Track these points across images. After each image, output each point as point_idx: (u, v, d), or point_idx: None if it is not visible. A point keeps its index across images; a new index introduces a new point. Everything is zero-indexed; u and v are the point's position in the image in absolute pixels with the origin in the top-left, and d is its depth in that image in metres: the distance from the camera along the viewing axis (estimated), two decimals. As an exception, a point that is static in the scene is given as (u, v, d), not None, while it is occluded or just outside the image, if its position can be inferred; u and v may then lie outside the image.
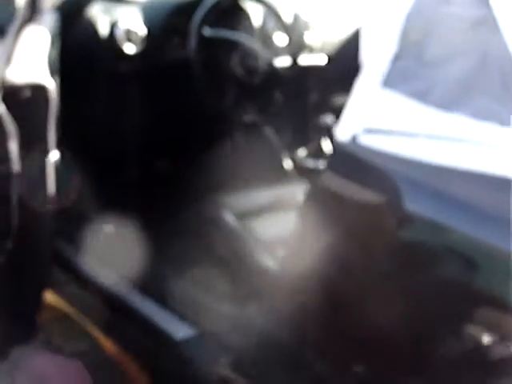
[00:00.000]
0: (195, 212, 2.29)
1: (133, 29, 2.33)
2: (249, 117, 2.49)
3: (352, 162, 1.46)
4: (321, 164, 2.71)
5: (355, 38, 2.90)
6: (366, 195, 1.47)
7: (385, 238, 1.42)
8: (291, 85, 2.60)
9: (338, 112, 2.83)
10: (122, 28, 2.32)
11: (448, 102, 1.37)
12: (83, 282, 2.27)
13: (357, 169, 1.46)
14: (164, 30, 2.42)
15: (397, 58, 1.44)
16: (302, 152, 2.82)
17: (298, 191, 2.46)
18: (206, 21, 2.36)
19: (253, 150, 2.60)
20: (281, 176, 2.65)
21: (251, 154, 2.58)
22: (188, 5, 2.45)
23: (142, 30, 2.35)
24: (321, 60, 2.79)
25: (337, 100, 2.95)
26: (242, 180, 2.49)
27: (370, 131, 1.42)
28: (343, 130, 1.45)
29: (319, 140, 2.73)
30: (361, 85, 1.46)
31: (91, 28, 2.32)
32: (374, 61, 1.46)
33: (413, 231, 1.40)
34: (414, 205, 1.37)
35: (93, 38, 2.32)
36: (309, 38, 2.75)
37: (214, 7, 2.37)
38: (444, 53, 1.41)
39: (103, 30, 2.32)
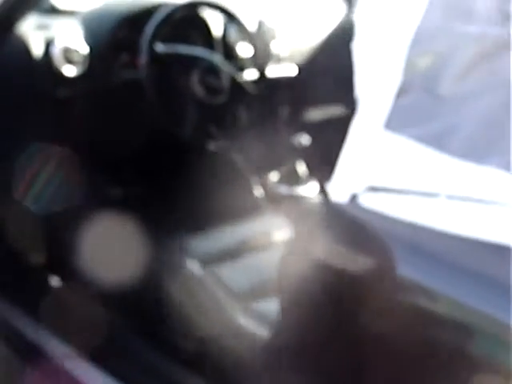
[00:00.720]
0: (151, 258, 1.95)
1: (73, 46, 1.98)
2: (212, 142, 2.16)
3: (351, 228, 1.15)
4: (295, 190, 2.40)
5: (328, 45, 2.59)
6: (367, 265, 1.16)
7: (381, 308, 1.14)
8: (259, 101, 2.27)
9: (311, 129, 2.53)
10: (59, 46, 1.97)
11: (472, 150, 1.06)
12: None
13: (357, 236, 1.14)
14: (109, 46, 2.07)
15: (403, 91, 1.12)
16: (273, 177, 2.50)
17: (271, 226, 2.15)
18: (158, 35, 2.02)
19: (219, 179, 2.27)
20: (252, 206, 2.33)
21: (217, 183, 2.25)
22: (137, 16, 2.10)
23: (83, 48, 2.00)
24: (290, 71, 2.47)
25: (310, 115, 2.65)
26: (207, 215, 2.17)
27: (372, 189, 1.11)
28: (339, 188, 1.13)
29: (293, 162, 2.41)
30: (358, 128, 1.14)
31: (22, 47, 1.96)
32: (373, 96, 1.14)
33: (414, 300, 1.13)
34: (422, 277, 1.09)
35: (24, 59, 1.96)
36: (276, 47, 2.43)
37: (167, 19, 2.03)
38: (463, 85, 1.10)
39: (37, 50, 1.96)
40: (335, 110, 2.75)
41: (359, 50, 1.17)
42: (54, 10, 2.15)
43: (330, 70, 2.57)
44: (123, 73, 2.08)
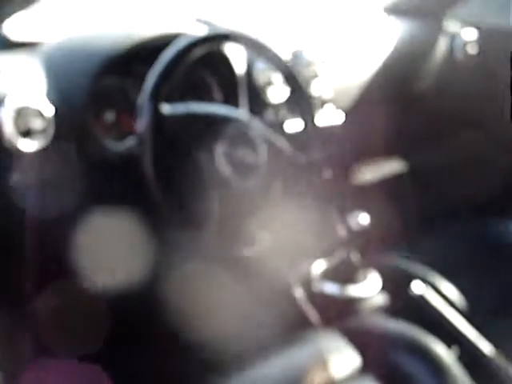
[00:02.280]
0: None
1: (32, 105, 1.28)
2: (245, 245, 1.44)
3: None
4: (347, 290, 1.72)
5: (381, 82, 1.93)
6: None
7: None
8: (302, 167, 1.55)
9: (368, 196, 1.86)
10: (10, 107, 1.26)
11: None
12: None
13: None
14: (88, 103, 1.36)
15: None
16: (317, 271, 1.82)
17: (317, 351, 1.44)
18: (164, 89, 1.31)
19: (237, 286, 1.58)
20: (289, 315, 1.65)
21: (234, 291, 1.56)
22: (132, 54, 1.39)
23: (47, 107, 1.30)
24: (336, 118, 1.80)
25: (363, 176, 1.98)
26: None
27: None
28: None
29: (345, 250, 1.73)
30: None
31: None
32: None
33: None
34: None
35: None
36: (317, 88, 1.75)
37: (179, 60, 1.31)
38: None
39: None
40: (393, 167, 2.08)
41: None
42: (5, 44, 1.45)
43: (386, 114, 1.90)
44: (109, 146, 1.38)
